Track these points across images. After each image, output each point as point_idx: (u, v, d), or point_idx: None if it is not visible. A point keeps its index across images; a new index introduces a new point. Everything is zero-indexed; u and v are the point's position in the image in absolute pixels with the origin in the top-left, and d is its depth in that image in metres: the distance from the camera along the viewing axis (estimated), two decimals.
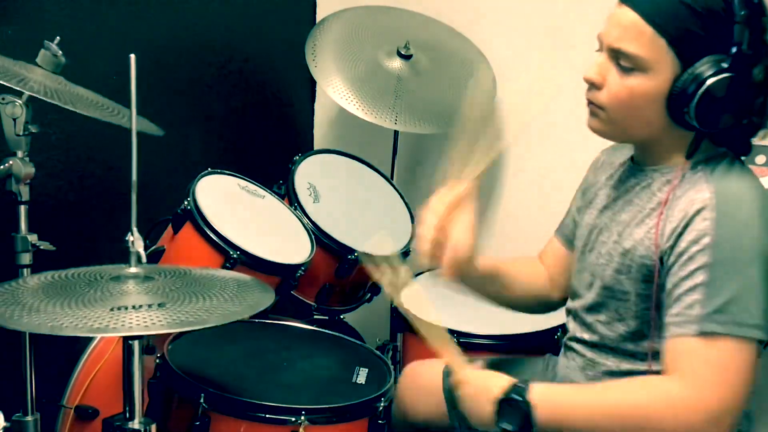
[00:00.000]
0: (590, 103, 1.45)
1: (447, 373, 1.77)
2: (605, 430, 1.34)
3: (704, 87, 1.33)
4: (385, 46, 2.51)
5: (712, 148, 1.43)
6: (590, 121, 1.47)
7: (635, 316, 1.45)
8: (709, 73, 1.33)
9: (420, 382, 1.80)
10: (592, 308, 1.53)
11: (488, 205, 2.68)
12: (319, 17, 2.83)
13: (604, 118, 1.44)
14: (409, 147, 2.71)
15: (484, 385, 1.43)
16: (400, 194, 2.43)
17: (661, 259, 1.38)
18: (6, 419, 1.43)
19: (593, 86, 1.43)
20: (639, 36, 1.35)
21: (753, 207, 1.35)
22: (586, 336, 1.55)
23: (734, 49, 1.33)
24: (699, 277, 1.31)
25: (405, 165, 2.71)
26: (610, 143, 1.61)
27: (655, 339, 1.43)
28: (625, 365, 1.48)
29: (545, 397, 1.37)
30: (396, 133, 2.57)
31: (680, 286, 1.33)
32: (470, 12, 2.64)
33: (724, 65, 1.33)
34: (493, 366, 1.77)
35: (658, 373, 1.41)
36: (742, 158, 1.45)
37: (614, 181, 1.57)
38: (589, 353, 1.54)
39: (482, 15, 2.63)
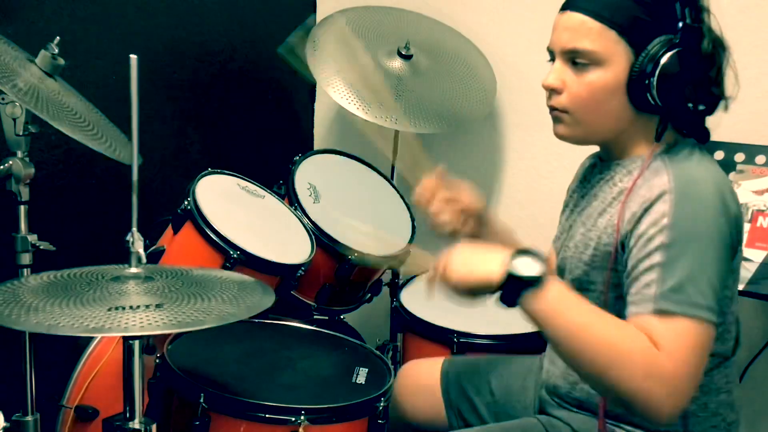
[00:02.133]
0: (553, 109, 1.47)
1: (445, 371, 1.78)
2: (578, 350, 1.29)
3: (660, 65, 1.36)
4: (385, 46, 2.51)
5: (673, 137, 1.45)
6: (556, 128, 1.49)
7: (602, 305, 1.44)
8: (662, 51, 1.37)
9: (417, 382, 1.81)
10: None
11: (488, 206, 2.68)
12: (319, 17, 2.83)
13: (570, 122, 1.46)
14: (409, 147, 2.71)
15: (499, 248, 1.35)
16: (400, 194, 2.43)
17: (622, 245, 1.39)
18: (6, 419, 1.43)
19: (554, 92, 1.45)
20: (589, 32, 1.39)
21: (710, 190, 1.35)
22: None
23: (680, 24, 1.37)
24: (656, 258, 1.32)
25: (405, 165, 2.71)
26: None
27: None
28: None
29: (556, 286, 1.31)
30: (396, 133, 2.57)
31: (638, 267, 1.34)
32: (470, 12, 2.64)
33: (675, 41, 1.37)
34: (491, 364, 1.78)
35: None
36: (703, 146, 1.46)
37: (583, 180, 1.58)
38: None
39: (482, 15, 2.63)
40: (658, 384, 1.25)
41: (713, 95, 1.42)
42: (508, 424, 1.61)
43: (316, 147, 2.98)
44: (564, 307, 1.31)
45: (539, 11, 2.52)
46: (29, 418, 1.73)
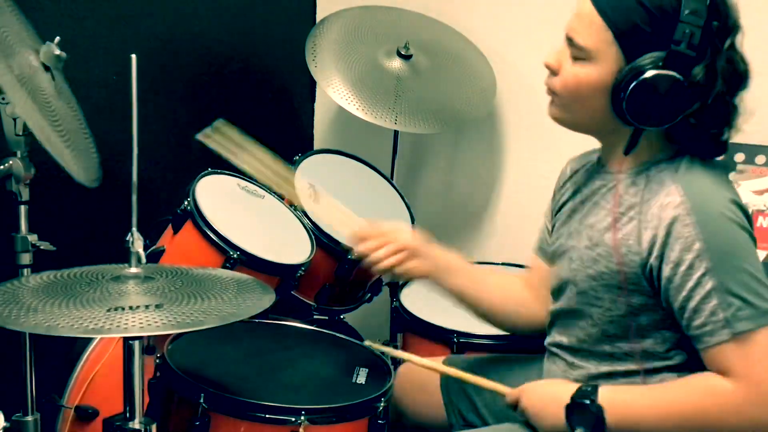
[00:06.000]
0: (548, 89, 1.49)
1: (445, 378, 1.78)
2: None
3: (637, 81, 1.35)
4: (385, 46, 2.51)
5: (674, 149, 1.44)
6: (548, 108, 1.50)
7: (609, 320, 1.45)
8: (645, 68, 1.35)
9: (417, 380, 1.80)
10: (568, 313, 1.53)
11: (489, 206, 2.68)
12: (319, 17, 2.83)
13: (558, 104, 1.48)
14: (409, 147, 2.71)
15: (551, 394, 1.45)
16: (400, 194, 2.43)
17: (643, 267, 1.39)
18: (6, 419, 1.43)
19: (552, 72, 1.47)
20: (589, 26, 1.39)
21: (724, 199, 1.36)
22: (564, 339, 1.55)
23: (672, 47, 1.34)
24: (708, 284, 1.33)
25: (405, 165, 2.71)
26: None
27: (636, 341, 1.44)
28: (604, 367, 1.48)
29: (613, 399, 1.39)
30: (396, 133, 2.57)
31: (693, 298, 1.34)
32: (470, 12, 2.64)
33: (660, 63, 1.35)
34: (491, 364, 1.79)
35: (649, 371, 1.44)
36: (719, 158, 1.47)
37: (579, 184, 1.58)
38: (569, 357, 1.55)
39: (482, 15, 2.63)
40: (759, 411, 1.29)
41: (711, 123, 1.39)
42: (509, 427, 1.60)
43: (316, 147, 2.98)
44: (633, 411, 1.38)
45: (539, 11, 2.52)
46: (29, 418, 1.72)
